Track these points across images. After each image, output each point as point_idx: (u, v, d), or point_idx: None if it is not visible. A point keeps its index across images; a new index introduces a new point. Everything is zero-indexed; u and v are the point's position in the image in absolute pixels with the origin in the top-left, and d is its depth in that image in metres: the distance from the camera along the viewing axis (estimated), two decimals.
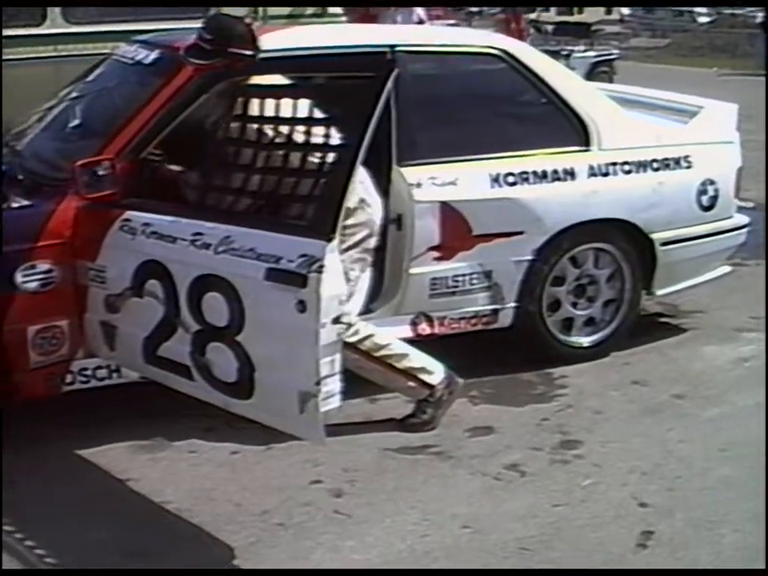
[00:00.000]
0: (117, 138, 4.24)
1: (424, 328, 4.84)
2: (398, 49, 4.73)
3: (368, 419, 4.56)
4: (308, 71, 3.96)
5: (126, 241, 3.96)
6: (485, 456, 4.24)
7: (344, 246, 4.21)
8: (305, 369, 3.42)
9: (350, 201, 4.16)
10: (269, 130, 3.86)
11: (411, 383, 4.47)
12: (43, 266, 4.10)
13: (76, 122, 4.62)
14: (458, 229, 4.78)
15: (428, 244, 4.75)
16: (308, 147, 3.73)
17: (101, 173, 3.99)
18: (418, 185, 4.70)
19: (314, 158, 3.71)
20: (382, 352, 4.40)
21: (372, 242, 4.34)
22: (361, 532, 3.70)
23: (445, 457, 4.24)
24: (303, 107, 3.78)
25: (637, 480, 4.05)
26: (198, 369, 3.78)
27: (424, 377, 4.47)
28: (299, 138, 3.78)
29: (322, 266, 3.35)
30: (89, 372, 4.29)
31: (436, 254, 4.77)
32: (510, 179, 4.87)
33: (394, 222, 4.71)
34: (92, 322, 4.16)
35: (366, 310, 4.60)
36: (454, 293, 4.84)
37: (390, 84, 3.45)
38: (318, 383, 3.40)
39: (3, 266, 4.04)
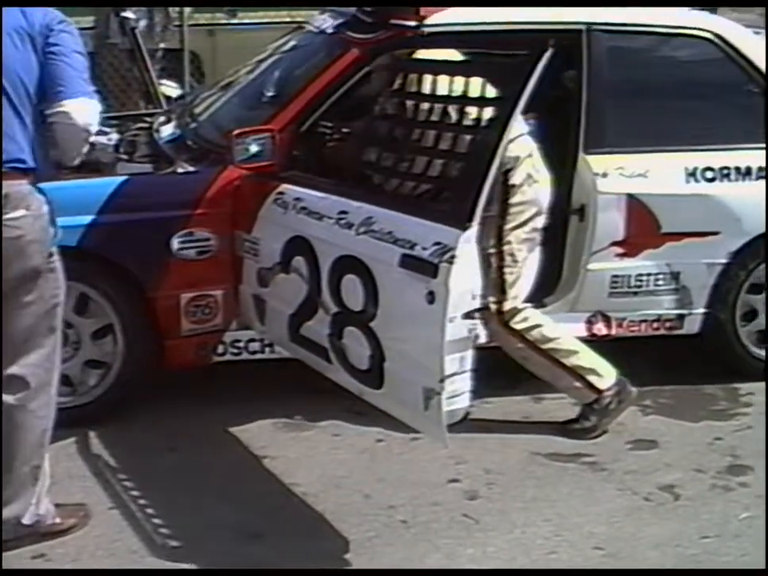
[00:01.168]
0: (286, 108, 4.17)
1: (600, 328, 4.52)
2: (594, 27, 4.43)
3: (526, 418, 4.32)
4: (466, 48, 3.71)
5: (279, 215, 3.87)
6: (641, 472, 3.91)
7: (510, 225, 4.00)
8: (430, 364, 3.22)
9: (515, 178, 3.94)
10: (417, 107, 3.65)
11: (578, 384, 4.18)
12: (201, 233, 4.07)
13: (256, 90, 4.57)
14: (645, 225, 4.43)
15: (611, 239, 4.43)
16: (452, 128, 3.50)
17: (258, 143, 3.90)
18: (604, 175, 4.39)
19: (459, 140, 3.47)
20: (550, 345, 4.13)
21: (540, 221, 4.08)
22: (484, 540, 3.47)
23: (597, 468, 3.94)
24: (455, 85, 3.55)
25: None
26: (335, 352, 3.65)
27: (592, 379, 4.17)
28: (446, 116, 3.55)
29: (453, 256, 3.14)
30: (241, 344, 4.24)
31: (619, 249, 4.44)
32: (709, 174, 4.49)
33: (576, 212, 4.42)
34: (246, 295, 4.11)
35: (540, 304, 4.35)
36: (636, 293, 4.50)
37: (542, 64, 3.17)
38: (441, 380, 3.19)
39: (160, 232, 4.04)
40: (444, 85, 3.59)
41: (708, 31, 4.60)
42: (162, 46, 7.37)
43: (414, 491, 3.76)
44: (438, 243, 3.19)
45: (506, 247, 3.99)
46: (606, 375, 4.18)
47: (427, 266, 3.19)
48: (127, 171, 4.22)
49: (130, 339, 4.11)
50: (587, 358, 4.18)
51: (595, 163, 4.39)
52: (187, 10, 7.50)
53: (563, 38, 4.42)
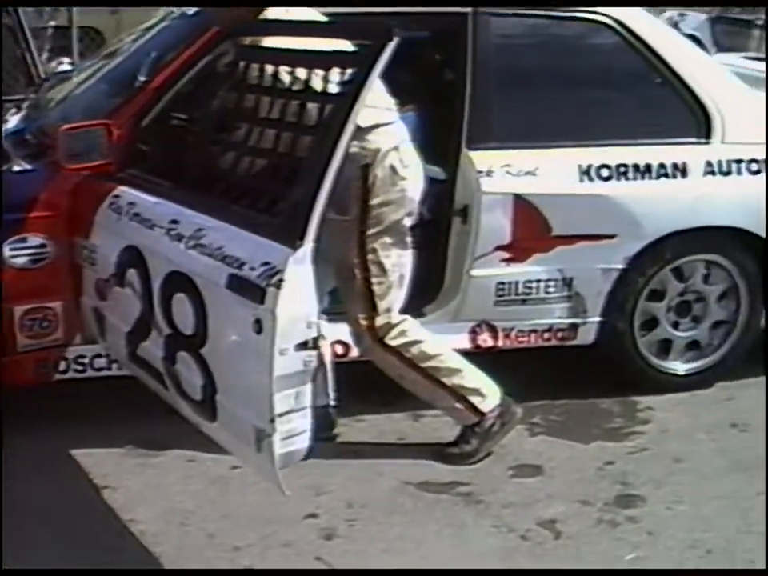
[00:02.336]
0: (130, 101, 3.77)
1: (485, 339, 4.17)
2: (481, 10, 4.05)
3: (402, 440, 3.96)
4: (307, 36, 3.27)
5: (113, 221, 3.47)
6: (520, 505, 3.55)
7: (372, 231, 3.58)
8: (259, 402, 2.84)
9: (376, 174, 3.53)
10: (257, 101, 3.23)
11: (459, 405, 3.81)
12: (35, 239, 3.67)
13: (108, 77, 4.17)
14: (533, 227, 4.07)
15: (496, 242, 4.06)
16: (290, 126, 3.09)
17: (89, 140, 3.49)
18: (489, 173, 4.02)
19: (297, 141, 3.05)
20: (430, 363, 3.75)
21: (408, 222, 3.66)
22: None
23: (472, 500, 3.58)
24: (297, 77, 3.12)
25: (698, 560, 3.26)
26: (170, 378, 3.26)
27: (475, 400, 3.80)
28: (285, 113, 3.13)
29: (281, 280, 2.74)
30: (86, 360, 3.85)
31: (505, 254, 4.08)
32: (605, 173, 4.13)
33: (458, 213, 4.06)
34: (87, 307, 3.72)
35: (419, 314, 3.98)
36: (524, 301, 4.14)
37: (385, 56, 2.77)
38: (272, 420, 2.80)
39: None
40: (286, 77, 3.17)
41: (607, 15, 4.23)
42: (51, 23, 6.92)
43: (265, 529, 3.38)
44: (266, 263, 2.80)
45: (370, 256, 3.58)
46: (489, 396, 3.82)
47: (254, 290, 2.79)
48: None
49: None
50: (470, 377, 3.81)
51: (479, 160, 4.02)
52: None
53: (447, 22, 4.10)
